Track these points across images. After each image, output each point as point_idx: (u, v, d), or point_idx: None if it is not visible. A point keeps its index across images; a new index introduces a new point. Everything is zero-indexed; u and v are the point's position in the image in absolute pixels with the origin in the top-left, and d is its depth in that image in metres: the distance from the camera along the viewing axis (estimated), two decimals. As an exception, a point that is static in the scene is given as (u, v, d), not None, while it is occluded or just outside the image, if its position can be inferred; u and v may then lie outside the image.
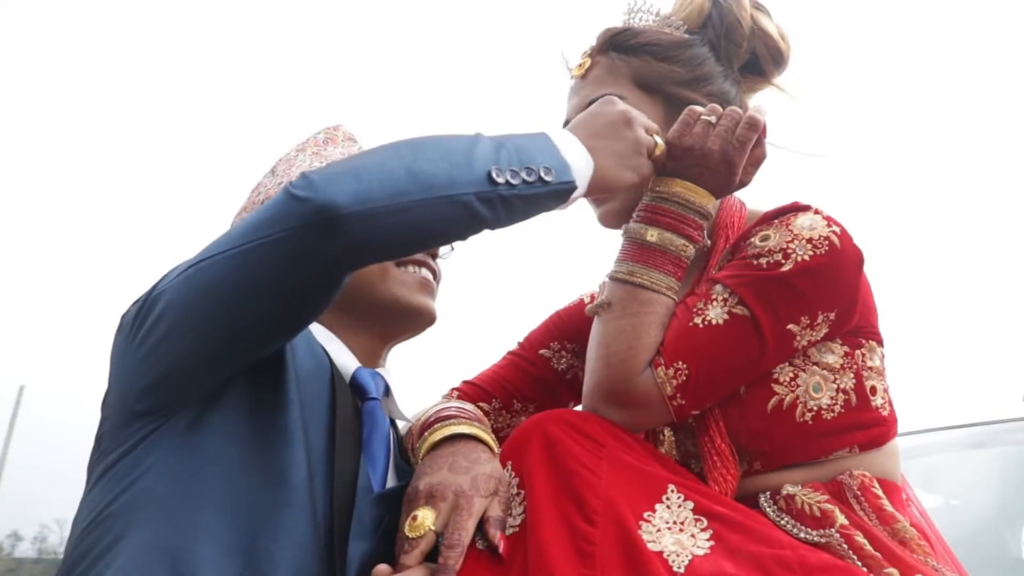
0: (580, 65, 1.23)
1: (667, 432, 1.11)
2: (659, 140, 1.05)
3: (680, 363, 1.01)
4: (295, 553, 0.92)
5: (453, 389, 1.30)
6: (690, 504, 0.93)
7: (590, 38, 1.25)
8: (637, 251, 1.07)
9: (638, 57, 1.19)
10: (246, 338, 0.93)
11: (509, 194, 0.90)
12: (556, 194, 0.95)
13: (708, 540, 0.90)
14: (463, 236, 0.94)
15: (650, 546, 0.88)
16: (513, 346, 1.35)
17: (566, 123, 1.23)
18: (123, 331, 0.99)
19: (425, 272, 1.21)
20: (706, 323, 1.02)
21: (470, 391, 1.29)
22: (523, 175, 0.91)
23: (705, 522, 0.92)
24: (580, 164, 0.97)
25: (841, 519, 1.01)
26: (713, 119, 1.07)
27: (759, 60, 1.26)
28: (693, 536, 0.90)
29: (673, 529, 0.90)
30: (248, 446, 0.95)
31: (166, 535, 0.88)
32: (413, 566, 0.92)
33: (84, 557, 0.91)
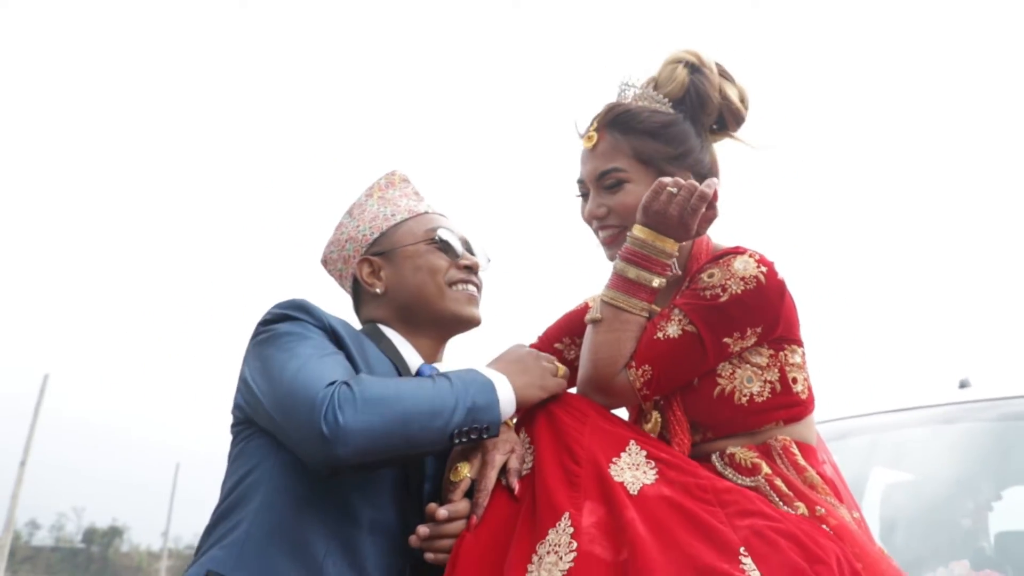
0: (589, 137, 1.56)
1: (654, 413, 1.51)
2: (559, 367, 1.47)
3: (647, 366, 1.43)
4: (389, 489, 1.39)
5: None
6: (644, 452, 1.35)
7: (595, 103, 1.57)
8: (621, 283, 1.46)
9: (637, 137, 1.52)
10: None
11: (455, 444, 1.33)
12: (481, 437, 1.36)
13: (655, 474, 1.31)
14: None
15: (615, 478, 1.30)
16: (533, 339, 1.74)
17: (580, 181, 1.58)
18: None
19: (471, 288, 1.62)
20: (666, 337, 1.43)
21: None
22: (471, 435, 1.33)
23: (653, 463, 1.33)
24: (508, 408, 1.38)
25: (766, 469, 1.42)
26: (675, 191, 1.41)
27: (724, 121, 1.63)
28: (645, 472, 1.32)
29: (631, 468, 1.32)
30: None
31: (288, 487, 1.35)
32: (457, 501, 1.36)
33: (235, 504, 1.37)
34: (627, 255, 1.47)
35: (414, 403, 1.27)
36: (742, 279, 1.41)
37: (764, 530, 1.23)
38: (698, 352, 1.42)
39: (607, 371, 1.44)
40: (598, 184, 1.54)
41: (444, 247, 1.60)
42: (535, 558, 1.21)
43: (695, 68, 1.58)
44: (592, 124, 1.58)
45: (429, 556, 1.33)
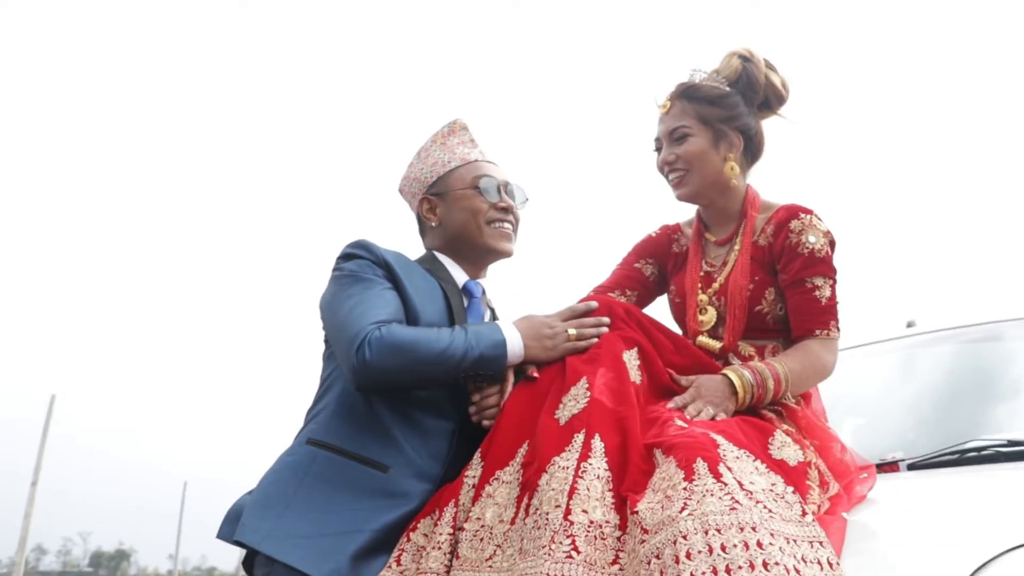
0: (663, 106, 1.99)
1: (711, 309, 1.92)
2: (570, 331, 1.72)
3: (836, 321, 1.84)
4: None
5: (591, 292, 2.09)
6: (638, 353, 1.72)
7: (667, 84, 1.99)
8: (756, 389, 1.74)
9: (699, 103, 1.94)
10: None
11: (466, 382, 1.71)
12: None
13: (636, 360, 1.69)
14: None
15: (625, 360, 1.66)
16: (618, 260, 2.15)
17: (656, 139, 1.99)
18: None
19: (507, 226, 1.97)
20: (825, 297, 1.85)
21: (603, 291, 2.07)
22: (478, 379, 1.69)
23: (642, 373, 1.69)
24: (514, 361, 1.70)
25: (757, 359, 1.85)
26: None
27: (769, 101, 2.03)
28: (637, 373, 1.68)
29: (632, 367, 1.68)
30: None
31: None
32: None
33: (324, 391, 1.78)
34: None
35: (427, 352, 1.63)
36: (825, 235, 1.87)
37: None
38: (835, 291, 1.87)
39: (831, 367, 1.84)
40: (670, 138, 1.95)
41: (485, 193, 1.95)
42: (560, 405, 1.58)
43: (746, 59, 1.99)
44: (667, 95, 2.00)
45: (483, 422, 1.70)
